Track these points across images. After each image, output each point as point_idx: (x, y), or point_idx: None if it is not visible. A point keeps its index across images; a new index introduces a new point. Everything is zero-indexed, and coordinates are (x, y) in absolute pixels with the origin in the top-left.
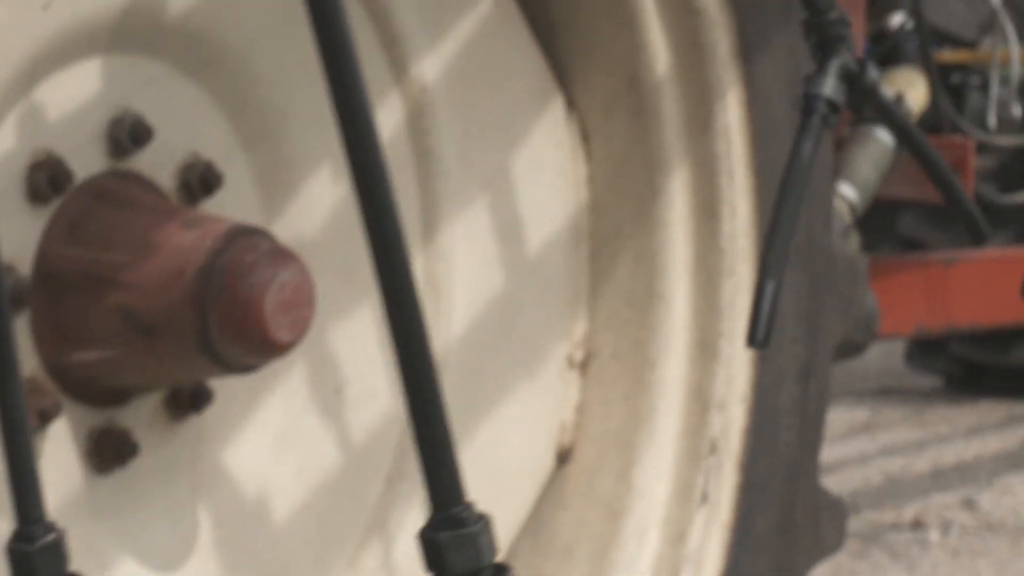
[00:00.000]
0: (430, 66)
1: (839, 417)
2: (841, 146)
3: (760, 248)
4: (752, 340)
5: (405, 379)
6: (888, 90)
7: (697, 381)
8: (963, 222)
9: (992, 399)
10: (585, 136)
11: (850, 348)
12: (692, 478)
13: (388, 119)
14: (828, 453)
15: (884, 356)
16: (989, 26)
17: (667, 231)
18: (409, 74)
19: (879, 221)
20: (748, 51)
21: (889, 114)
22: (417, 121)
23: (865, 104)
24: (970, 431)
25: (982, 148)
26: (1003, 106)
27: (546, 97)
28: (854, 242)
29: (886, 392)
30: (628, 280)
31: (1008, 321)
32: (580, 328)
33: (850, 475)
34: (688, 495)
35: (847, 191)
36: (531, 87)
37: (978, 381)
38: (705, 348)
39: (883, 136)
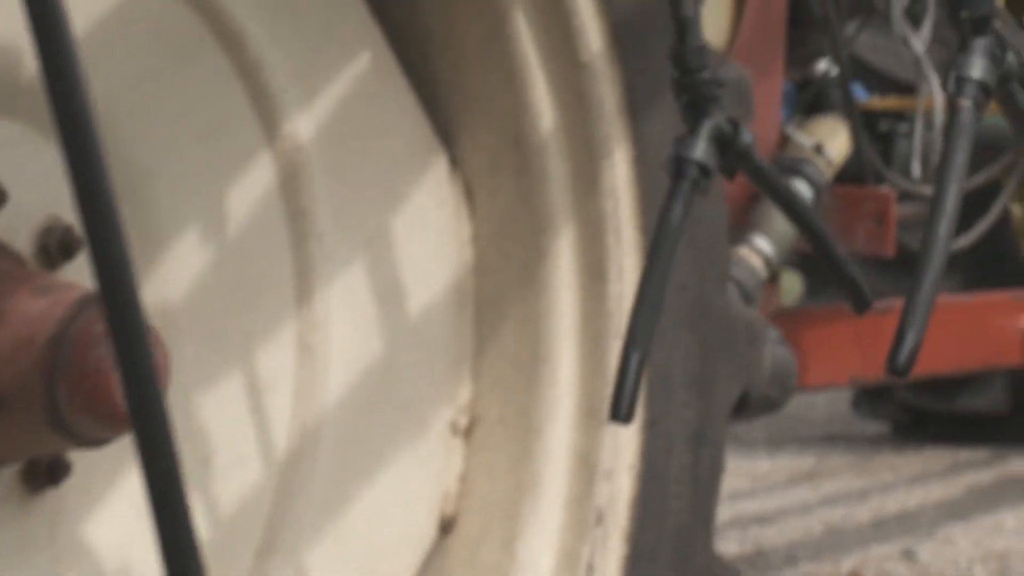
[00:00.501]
0: (304, 124)
1: (783, 465)
2: (758, 198)
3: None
4: (615, 414)
5: (142, 456)
6: (808, 140)
7: (584, 449)
8: (847, 290)
9: (938, 446)
10: (470, 195)
11: (765, 405)
12: (578, 549)
13: (258, 178)
14: (769, 502)
15: (832, 402)
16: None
17: (553, 293)
18: (281, 132)
19: (820, 266)
20: (637, 107)
21: (764, 179)
22: (290, 181)
23: (739, 168)
24: (914, 479)
25: (909, 197)
26: (934, 153)
27: (429, 155)
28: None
29: (832, 439)
30: (513, 343)
31: (946, 370)
32: (464, 393)
33: (790, 525)
34: (573, 567)
35: (762, 244)
36: (413, 145)
37: (924, 428)
38: (592, 414)
39: (802, 188)
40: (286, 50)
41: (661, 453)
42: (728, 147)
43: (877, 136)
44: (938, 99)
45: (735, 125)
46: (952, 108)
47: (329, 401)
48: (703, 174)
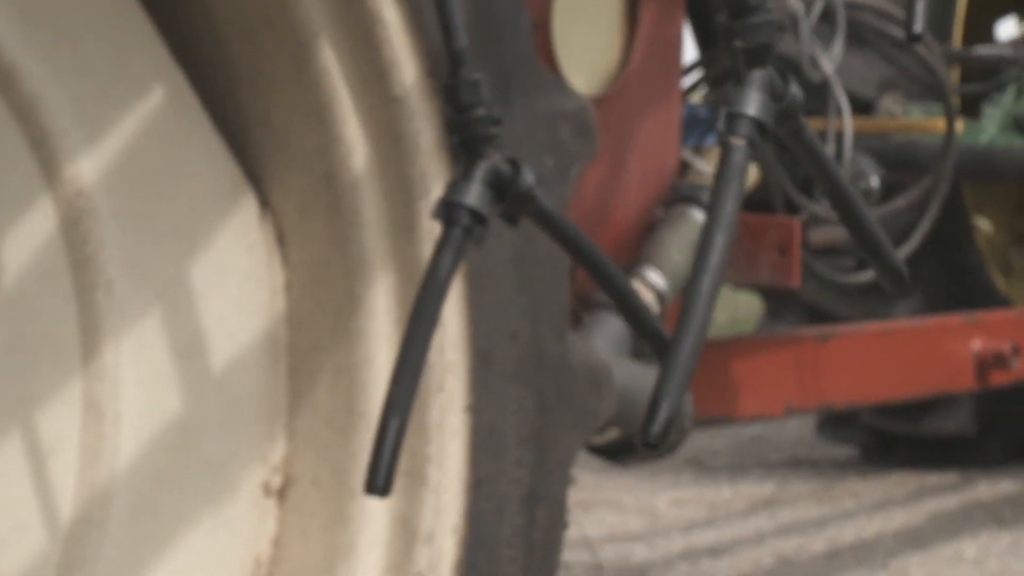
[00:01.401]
0: (89, 166)
1: (743, 492)
2: (654, 228)
3: (472, 362)
4: (371, 487)
5: None
6: (707, 166)
7: (403, 511)
8: (646, 340)
9: (905, 470)
10: (281, 239)
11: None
12: None
13: (37, 226)
14: (724, 532)
15: (800, 425)
16: (889, 84)
17: (369, 344)
18: (63, 176)
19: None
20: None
21: (550, 224)
22: (73, 227)
23: (522, 212)
24: (875, 506)
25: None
26: (860, 176)
27: (235, 197)
28: (753, 312)
29: (797, 464)
30: (328, 398)
31: (895, 397)
32: (277, 452)
33: (742, 556)
34: None
35: (655, 279)
36: (216, 186)
37: (892, 451)
38: (412, 475)
39: (699, 217)
40: (68, 87)
41: (490, 515)
42: (507, 190)
43: (791, 159)
44: (847, 121)
45: (515, 166)
46: (723, 147)
47: (121, 463)
48: (477, 221)
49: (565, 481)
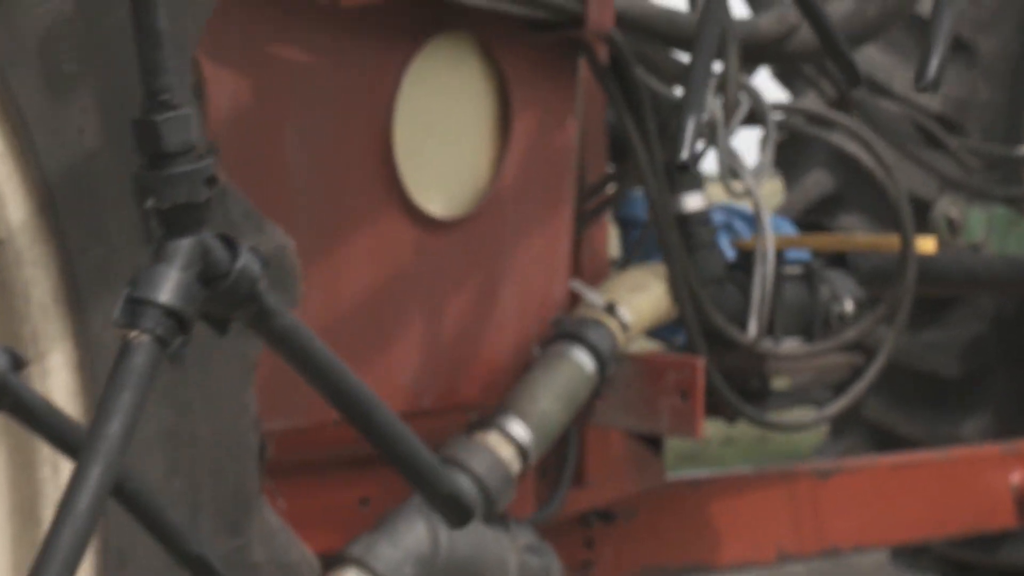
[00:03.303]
0: None
1: None
2: (528, 369)
3: (103, 562)
4: None
5: None
6: (599, 297)
7: None
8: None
9: None
10: None
11: None
12: None
13: None
14: None
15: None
16: (950, 185)
17: None
18: None
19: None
20: (80, 295)
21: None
22: None
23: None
24: None
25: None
26: (835, 299)
27: None
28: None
29: None
30: None
31: (921, 539)
32: None
33: None
34: None
35: (517, 431)
36: None
37: None
38: None
39: (581, 358)
40: None
41: None
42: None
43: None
44: (770, 247)
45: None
46: (122, 346)
47: None
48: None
49: None
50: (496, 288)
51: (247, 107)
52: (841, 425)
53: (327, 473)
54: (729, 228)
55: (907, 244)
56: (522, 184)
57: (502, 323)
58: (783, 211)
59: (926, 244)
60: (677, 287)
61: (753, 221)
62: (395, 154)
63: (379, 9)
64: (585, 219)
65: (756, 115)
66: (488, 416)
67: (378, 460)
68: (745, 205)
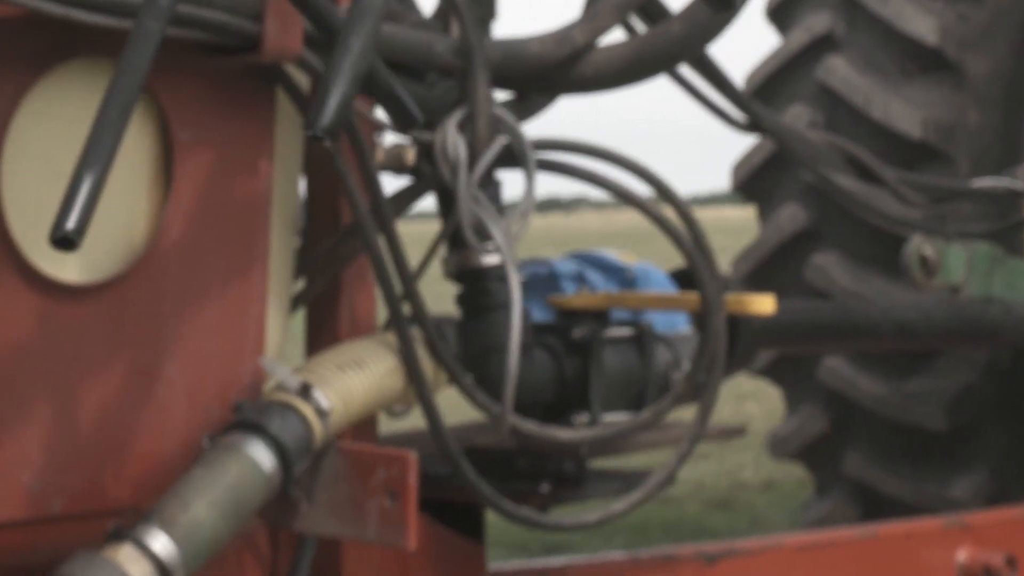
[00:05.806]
0: None
1: None
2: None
3: None
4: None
5: None
6: (293, 377)
7: None
8: None
9: None
10: None
11: None
12: None
13: None
14: None
15: None
16: (931, 221)
17: None
18: None
19: (823, 458)
20: None
21: None
22: None
23: None
24: None
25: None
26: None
27: None
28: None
29: None
30: None
31: None
32: None
33: None
34: None
35: (158, 546)
36: None
37: None
38: None
39: (257, 452)
40: None
41: None
42: None
43: (572, 348)
44: (516, 308)
45: None
46: None
47: None
48: None
49: None
50: (155, 366)
51: None
52: (824, 482)
53: None
54: (580, 279)
55: (708, 301)
56: (192, 241)
57: (165, 408)
58: (756, 247)
59: (763, 303)
60: (408, 361)
61: (617, 271)
62: (2, 206)
63: None
64: (325, 276)
65: (514, 154)
66: (127, 526)
67: None
68: (611, 253)
